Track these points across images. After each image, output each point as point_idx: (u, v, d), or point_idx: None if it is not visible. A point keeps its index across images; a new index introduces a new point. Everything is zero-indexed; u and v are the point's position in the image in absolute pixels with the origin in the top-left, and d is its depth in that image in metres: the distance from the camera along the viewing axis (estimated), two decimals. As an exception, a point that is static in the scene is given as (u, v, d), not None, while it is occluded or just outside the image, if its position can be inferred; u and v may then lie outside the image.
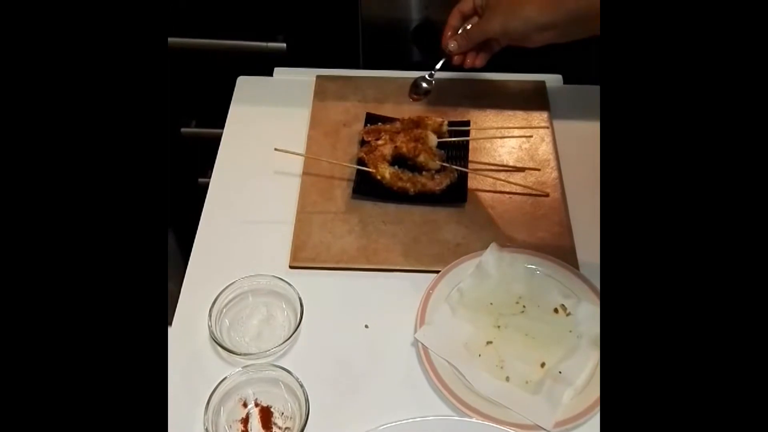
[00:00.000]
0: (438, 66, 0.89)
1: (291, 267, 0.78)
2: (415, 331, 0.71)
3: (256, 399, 0.67)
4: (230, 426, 0.65)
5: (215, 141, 0.93)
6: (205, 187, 0.87)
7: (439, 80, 0.99)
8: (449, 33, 0.86)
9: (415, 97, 0.92)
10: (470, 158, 0.88)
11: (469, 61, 0.87)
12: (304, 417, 0.63)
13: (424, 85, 0.92)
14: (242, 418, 0.66)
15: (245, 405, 0.66)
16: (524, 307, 0.73)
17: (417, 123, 0.88)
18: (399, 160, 0.85)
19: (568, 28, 0.76)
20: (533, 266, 0.77)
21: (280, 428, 0.65)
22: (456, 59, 0.87)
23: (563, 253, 0.78)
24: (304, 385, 0.65)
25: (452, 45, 0.85)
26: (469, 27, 0.84)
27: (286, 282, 0.73)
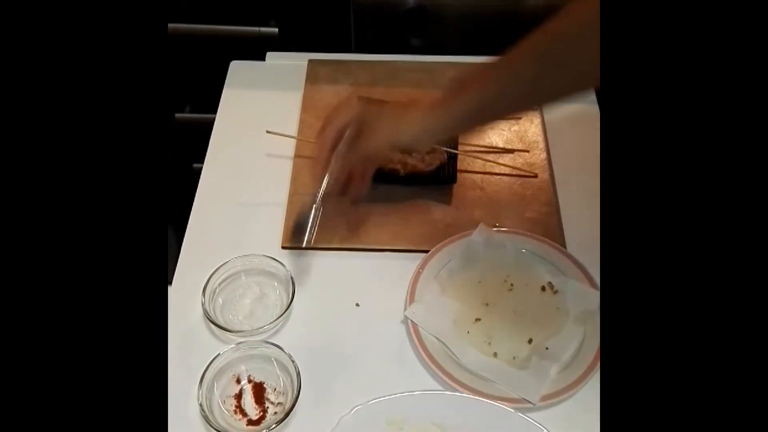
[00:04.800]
0: (320, 195, 0.74)
1: (283, 248, 0.79)
2: (405, 309, 0.72)
3: (249, 375, 0.68)
4: (224, 401, 0.66)
5: (209, 126, 0.93)
6: (200, 171, 0.88)
7: (430, 64, 1.00)
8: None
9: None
10: (460, 140, 0.89)
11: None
12: (296, 392, 0.64)
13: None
14: (236, 393, 0.67)
15: (238, 381, 0.68)
16: (512, 285, 0.75)
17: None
18: (390, 143, 0.86)
19: (460, 127, 0.72)
20: (521, 246, 0.78)
21: (272, 403, 0.66)
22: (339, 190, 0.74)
23: (551, 233, 0.80)
24: (296, 361, 0.66)
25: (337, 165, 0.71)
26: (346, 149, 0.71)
27: (279, 261, 0.74)
